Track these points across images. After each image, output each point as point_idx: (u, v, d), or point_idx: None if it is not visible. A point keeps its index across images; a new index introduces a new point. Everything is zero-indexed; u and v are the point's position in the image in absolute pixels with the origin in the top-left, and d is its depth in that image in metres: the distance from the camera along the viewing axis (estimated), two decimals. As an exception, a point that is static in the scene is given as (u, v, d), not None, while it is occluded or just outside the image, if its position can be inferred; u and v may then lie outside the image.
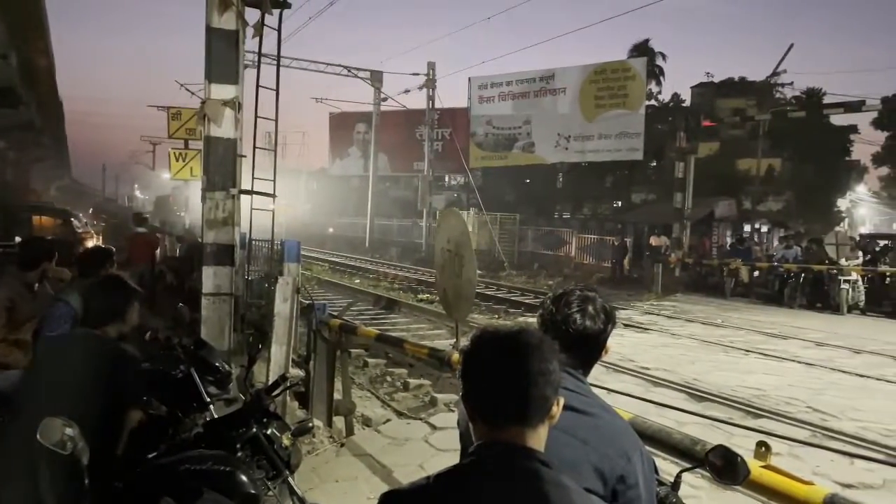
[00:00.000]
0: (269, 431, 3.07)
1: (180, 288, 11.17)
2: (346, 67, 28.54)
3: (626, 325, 12.31)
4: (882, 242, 19.80)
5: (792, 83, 33.88)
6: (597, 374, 7.64)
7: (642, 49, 36.60)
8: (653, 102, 36.56)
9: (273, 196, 6.36)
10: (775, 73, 28.55)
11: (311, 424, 3.67)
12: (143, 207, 49.88)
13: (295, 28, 48.86)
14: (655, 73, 37.69)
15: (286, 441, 3.12)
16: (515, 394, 1.32)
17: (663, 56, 38.68)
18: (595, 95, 26.31)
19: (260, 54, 7.10)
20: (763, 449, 2.36)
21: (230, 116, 5.83)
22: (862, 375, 8.65)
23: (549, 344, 1.39)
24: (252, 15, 6.48)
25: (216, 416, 3.38)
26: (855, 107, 19.69)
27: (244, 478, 2.72)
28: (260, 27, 6.72)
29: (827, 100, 30.90)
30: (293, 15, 25.31)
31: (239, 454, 2.93)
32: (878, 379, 8.47)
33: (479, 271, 15.16)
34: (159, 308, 10.60)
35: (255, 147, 6.54)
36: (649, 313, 14.28)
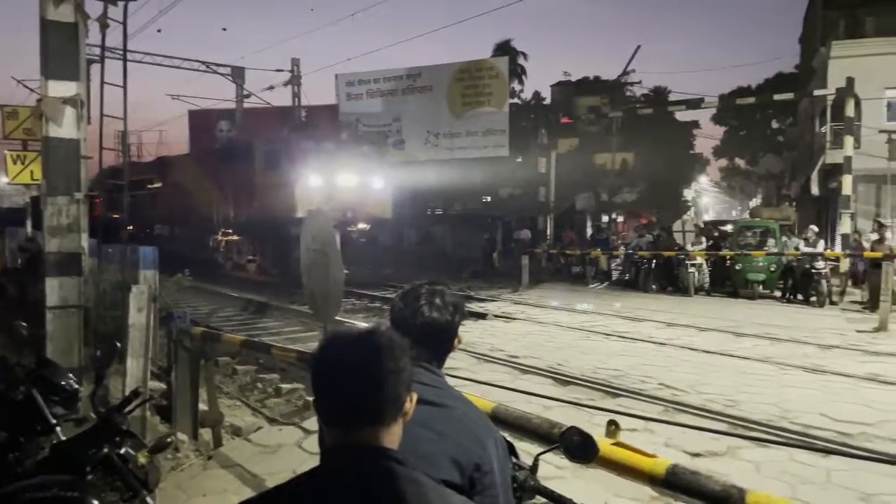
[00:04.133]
0: (122, 451, 2.90)
1: (23, 301, 10.26)
2: (204, 63, 27.27)
3: (496, 316, 12.71)
4: (722, 228, 21.66)
5: (640, 82, 36.22)
6: (468, 364, 7.83)
7: (505, 48, 37.75)
8: (516, 100, 37.83)
9: (125, 199, 5.99)
10: (625, 73, 30.44)
11: (170, 439, 3.51)
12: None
13: (146, 20, 46.10)
14: (518, 72, 39.01)
15: (142, 459, 2.96)
16: (368, 395, 1.32)
17: (524, 55, 40.14)
18: (462, 93, 26.88)
19: (104, 48, 6.67)
20: (613, 427, 2.51)
21: (71, 115, 5.42)
22: (707, 351, 9.43)
23: (399, 342, 1.41)
24: (94, 7, 6.07)
25: (63, 439, 3.15)
26: (695, 104, 21.40)
27: (95, 502, 2.56)
28: (103, 20, 6.30)
29: (671, 97, 33.43)
30: (143, 6, 23.83)
31: (89, 477, 2.75)
32: (721, 354, 9.26)
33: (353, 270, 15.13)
34: (-2, 325, 9.70)
35: (101, 147, 6.15)
36: (517, 303, 14.81)
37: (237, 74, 28.06)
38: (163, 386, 5.90)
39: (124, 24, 6.53)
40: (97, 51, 8.06)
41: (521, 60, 39.47)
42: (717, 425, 6.07)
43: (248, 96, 28.86)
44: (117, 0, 6.34)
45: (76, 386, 3.49)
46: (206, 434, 5.56)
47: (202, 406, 5.61)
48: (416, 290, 1.88)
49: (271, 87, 28.33)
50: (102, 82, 6.32)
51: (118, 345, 3.89)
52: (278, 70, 27.86)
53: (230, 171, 19.44)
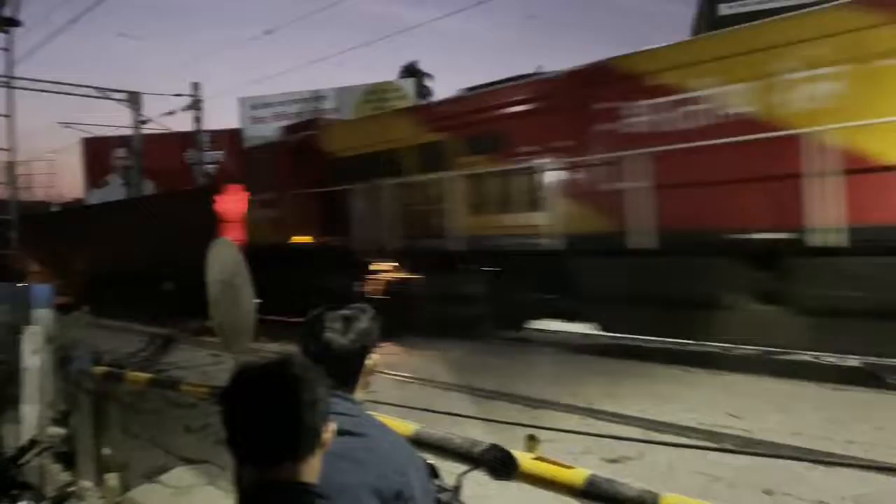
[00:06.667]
0: (20, 505, 2.70)
1: None
2: (97, 88, 26.13)
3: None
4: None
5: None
6: (388, 386, 7.70)
7: (411, 70, 38.11)
8: (424, 121, 38.10)
9: (11, 236, 5.61)
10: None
11: (73, 488, 3.31)
12: None
13: (33, 45, 43.61)
14: (424, 94, 39.39)
15: (43, 512, 2.77)
16: (284, 429, 1.29)
17: (431, 76, 40.62)
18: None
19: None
20: (532, 441, 2.54)
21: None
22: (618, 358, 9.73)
23: (314, 372, 1.38)
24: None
25: (-48, 499, 2.90)
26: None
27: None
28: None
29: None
30: (29, 32, 22.59)
31: (-17, 537, 2.55)
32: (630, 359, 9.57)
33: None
34: None
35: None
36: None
37: (133, 100, 27.06)
38: (63, 431, 5.55)
39: (9, 51, 6.17)
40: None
41: (427, 82, 39.94)
42: (630, 430, 6.29)
43: (145, 122, 27.86)
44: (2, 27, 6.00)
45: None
46: (112, 479, 5.26)
47: (107, 450, 5.30)
48: (321, 316, 1.83)
49: (171, 113, 27.48)
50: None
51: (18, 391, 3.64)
52: (178, 94, 27.10)
53: None
